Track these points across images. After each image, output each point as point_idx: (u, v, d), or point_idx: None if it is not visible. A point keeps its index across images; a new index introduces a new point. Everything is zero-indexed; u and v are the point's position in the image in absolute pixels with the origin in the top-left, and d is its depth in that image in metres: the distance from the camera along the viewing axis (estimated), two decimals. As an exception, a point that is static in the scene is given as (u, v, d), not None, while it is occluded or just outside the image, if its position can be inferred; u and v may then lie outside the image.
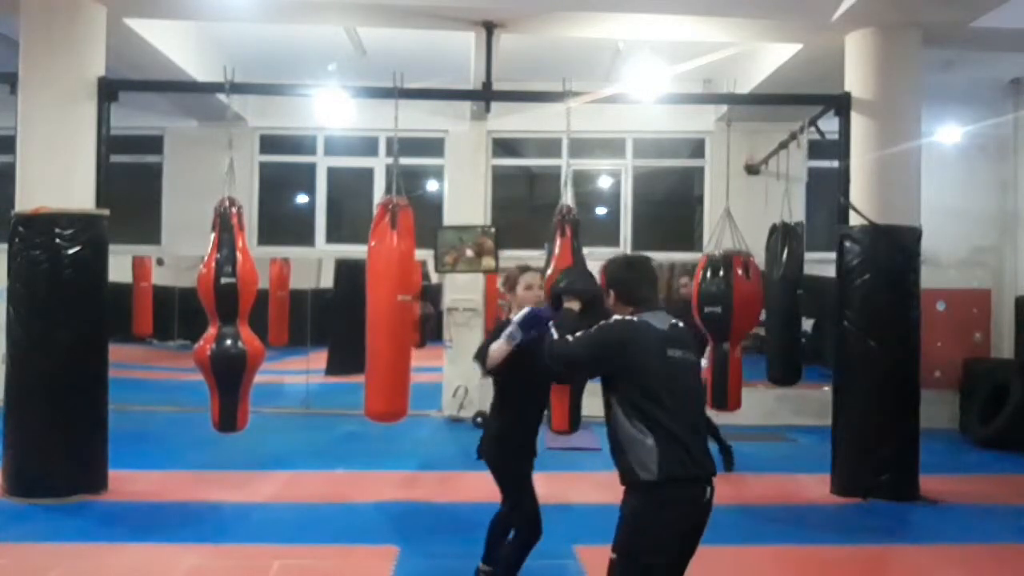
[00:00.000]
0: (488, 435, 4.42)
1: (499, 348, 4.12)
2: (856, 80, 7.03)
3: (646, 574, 3.12)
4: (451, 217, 10.39)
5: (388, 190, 6.52)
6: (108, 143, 6.64)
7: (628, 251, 10.63)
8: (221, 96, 7.21)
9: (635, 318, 3.29)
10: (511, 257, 9.98)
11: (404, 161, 6.77)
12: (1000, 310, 10.23)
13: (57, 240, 6.28)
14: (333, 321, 12.60)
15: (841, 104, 7.04)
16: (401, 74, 6.56)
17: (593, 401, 3.85)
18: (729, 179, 7.54)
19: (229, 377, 6.07)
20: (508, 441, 4.32)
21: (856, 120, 6.99)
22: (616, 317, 3.34)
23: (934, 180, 7.97)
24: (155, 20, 7.67)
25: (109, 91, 6.60)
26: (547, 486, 6.87)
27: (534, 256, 9.39)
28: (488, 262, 9.59)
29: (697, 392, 3.44)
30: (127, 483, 6.62)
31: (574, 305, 3.60)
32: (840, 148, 7.09)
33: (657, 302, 3.44)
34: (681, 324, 3.39)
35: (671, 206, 11.59)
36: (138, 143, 10.24)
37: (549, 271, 6.18)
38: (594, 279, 3.74)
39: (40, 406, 6.28)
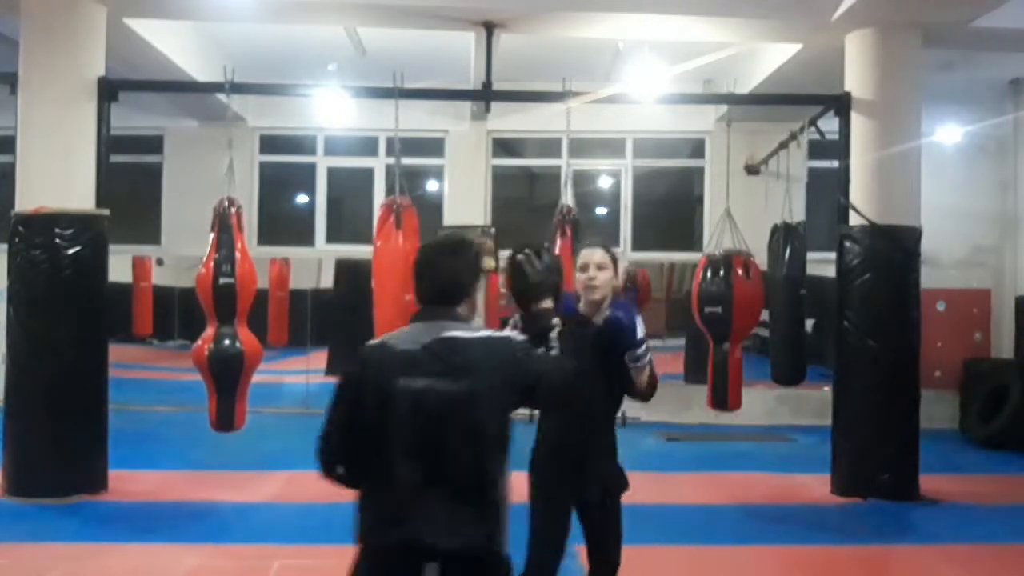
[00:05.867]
0: None
1: None
2: (856, 80, 7.02)
3: None
4: (451, 217, 10.38)
5: (389, 190, 6.53)
6: (108, 143, 6.64)
7: (628, 251, 10.64)
8: (221, 96, 7.22)
9: (378, 340, 2.51)
10: (511, 257, 10.00)
11: (404, 161, 6.78)
12: (1000, 310, 10.22)
13: (57, 240, 6.28)
14: (333, 321, 12.60)
15: (841, 104, 7.04)
16: (401, 74, 6.57)
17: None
18: (729, 179, 7.54)
19: (227, 377, 6.09)
20: (532, 456, 3.42)
21: (856, 120, 6.98)
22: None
23: (934, 180, 7.98)
24: (155, 20, 7.67)
25: (109, 91, 6.60)
26: (547, 486, 6.90)
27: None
28: (488, 262, 9.59)
29: (453, 435, 2.35)
30: (127, 483, 6.62)
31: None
32: (840, 148, 7.09)
33: (442, 306, 2.49)
34: (463, 336, 2.41)
35: (671, 206, 11.58)
36: (138, 143, 10.23)
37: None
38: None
39: (40, 406, 6.28)
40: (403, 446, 2.36)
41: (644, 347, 3.21)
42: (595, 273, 3.34)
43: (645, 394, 3.37)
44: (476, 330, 2.47)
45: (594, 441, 3.38)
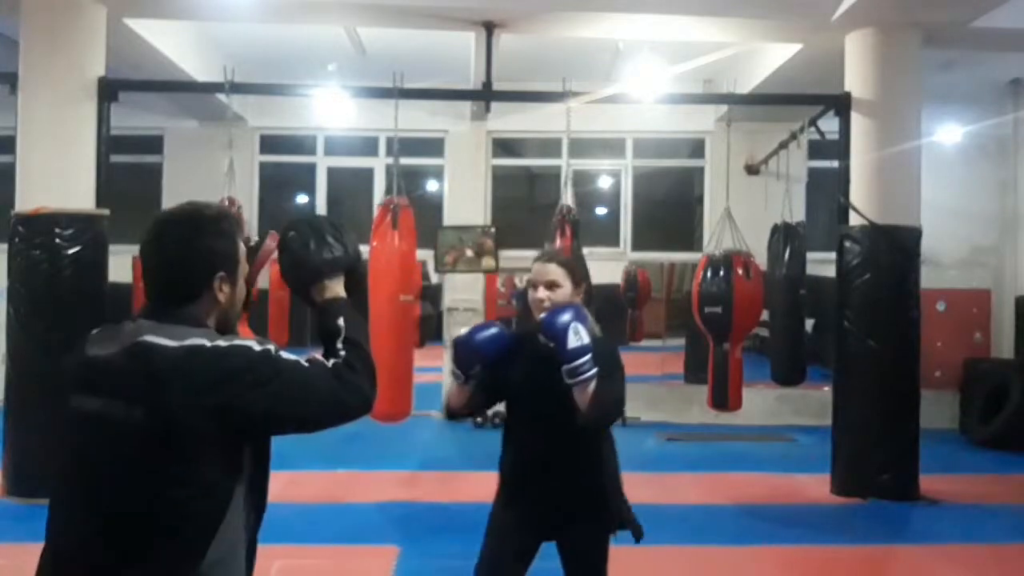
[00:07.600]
0: None
1: (450, 387, 3.06)
2: (856, 80, 7.02)
3: None
4: (451, 217, 10.39)
5: (388, 190, 6.54)
6: (108, 143, 6.64)
7: (628, 251, 10.64)
8: (221, 96, 7.22)
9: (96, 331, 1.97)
10: (511, 257, 10.01)
11: (404, 161, 6.78)
12: (1000, 310, 10.22)
13: (57, 240, 6.27)
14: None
15: (841, 104, 7.04)
16: (401, 74, 6.57)
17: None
18: (729, 179, 7.55)
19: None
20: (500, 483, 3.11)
21: (856, 120, 6.98)
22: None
23: (934, 180, 7.98)
24: (155, 20, 7.67)
25: (109, 91, 6.60)
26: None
27: (534, 256, 9.41)
28: (488, 262, 9.58)
29: (107, 478, 1.74)
30: (127, 483, 6.61)
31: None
32: (840, 148, 7.09)
33: (166, 304, 1.83)
34: (160, 344, 1.74)
35: (671, 206, 11.60)
36: (138, 143, 10.24)
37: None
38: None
39: (40, 406, 6.26)
40: (57, 496, 1.80)
41: (584, 359, 2.67)
42: (545, 295, 2.93)
43: (591, 419, 2.75)
44: (200, 337, 1.74)
45: (555, 466, 2.92)
